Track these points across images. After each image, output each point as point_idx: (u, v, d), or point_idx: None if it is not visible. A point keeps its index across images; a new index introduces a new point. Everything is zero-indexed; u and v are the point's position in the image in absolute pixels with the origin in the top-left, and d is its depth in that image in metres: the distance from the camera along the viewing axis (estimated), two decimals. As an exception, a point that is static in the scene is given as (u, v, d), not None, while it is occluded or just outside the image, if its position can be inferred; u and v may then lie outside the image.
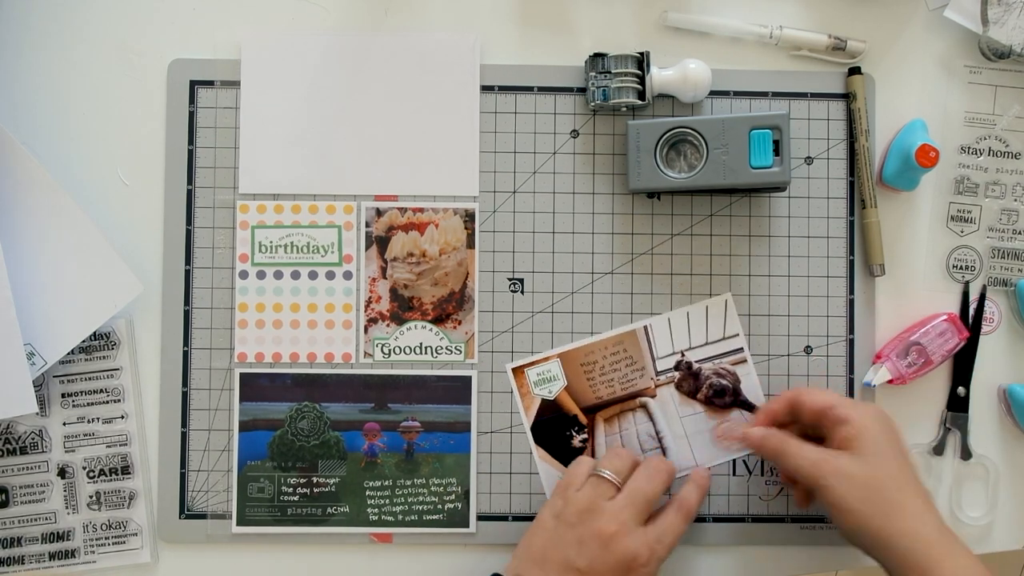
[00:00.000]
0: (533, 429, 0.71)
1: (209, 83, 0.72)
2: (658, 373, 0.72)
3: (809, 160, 0.72)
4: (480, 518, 0.71)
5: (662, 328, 0.72)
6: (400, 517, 0.71)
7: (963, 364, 0.72)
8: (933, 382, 0.72)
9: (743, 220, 0.72)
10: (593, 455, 0.71)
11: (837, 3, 0.73)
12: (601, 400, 0.72)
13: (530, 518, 0.69)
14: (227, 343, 0.71)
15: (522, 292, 0.72)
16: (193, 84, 0.72)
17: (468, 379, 0.71)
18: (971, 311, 0.72)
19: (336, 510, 0.71)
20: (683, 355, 0.72)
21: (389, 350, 0.71)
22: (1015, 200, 0.73)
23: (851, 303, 0.72)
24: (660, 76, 0.70)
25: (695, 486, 0.67)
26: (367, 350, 0.71)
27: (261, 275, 0.71)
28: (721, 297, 0.72)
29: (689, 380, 0.72)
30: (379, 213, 0.71)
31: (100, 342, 0.70)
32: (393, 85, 0.71)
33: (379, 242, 0.71)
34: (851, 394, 0.72)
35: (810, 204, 0.72)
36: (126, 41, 0.72)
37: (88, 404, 0.70)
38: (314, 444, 0.71)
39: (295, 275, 0.71)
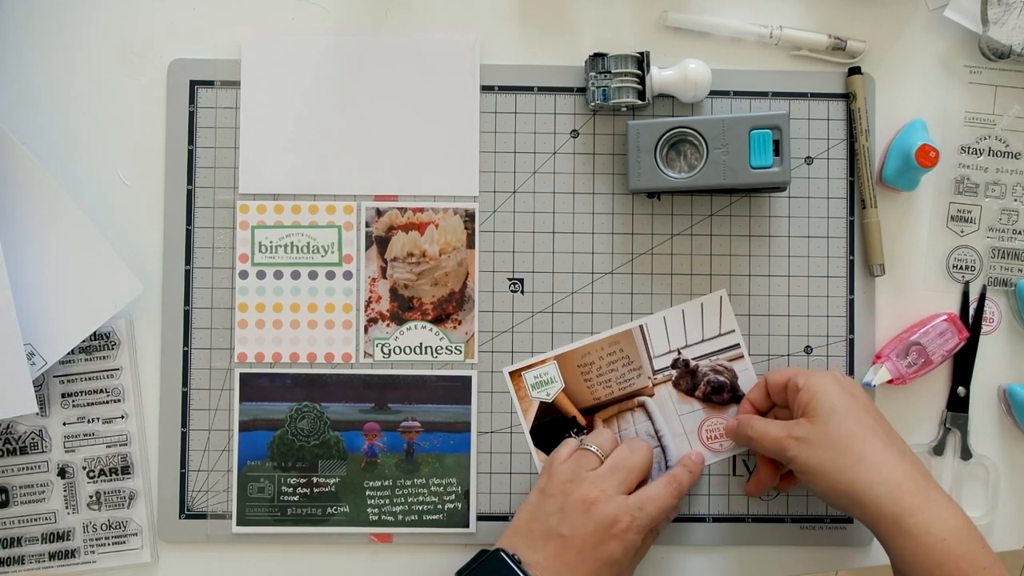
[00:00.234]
0: (532, 431, 0.71)
1: (209, 83, 0.72)
2: (655, 372, 0.72)
3: (809, 160, 0.72)
4: (480, 518, 0.71)
5: (658, 327, 0.72)
6: (400, 517, 0.71)
7: (963, 364, 0.72)
8: (933, 382, 0.72)
9: (743, 220, 0.72)
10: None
11: (837, 3, 0.73)
12: (599, 401, 0.72)
13: (530, 518, 0.69)
14: (227, 343, 0.71)
15: (522, 292, 0.72)
16: (193, 84, 0.72)
17: (468, 379, 0.71)
18: (971, 311, 0.72)
19: (336, 510, 0.71)
20: (680, 353, 0.72)
21: (389, 350, 0.71)
22: (1015, 200, 0.73)
23: (851, 303, 0.72)
24: (660, 76, 0.70)
25: (685, 468, 0.68)
26: (367, 350, 0.71)
27: (261, 275, 0.71)
28: (716, 294, 0.72)
29: (686, 378, 0.72)
30: (379, 213, 0.71)
31: (100, 342, 0.70)
32: (393, 85, 0.71)
33: (379, 242, 0.71)
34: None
35: (810, 204, 0.72)
36: (126, 41, 0.72)
37: (88, 404, 0.70)
38: (314, 444, 0.71)
39: (295, 275, 0.71)
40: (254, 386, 0.71)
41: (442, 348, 0.71)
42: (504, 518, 0.71)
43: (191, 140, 0.71)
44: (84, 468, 0.70)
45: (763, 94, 0.72)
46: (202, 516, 0.71)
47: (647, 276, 0.72)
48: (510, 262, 0.72)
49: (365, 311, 0.71)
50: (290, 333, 0.71)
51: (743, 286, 0.72)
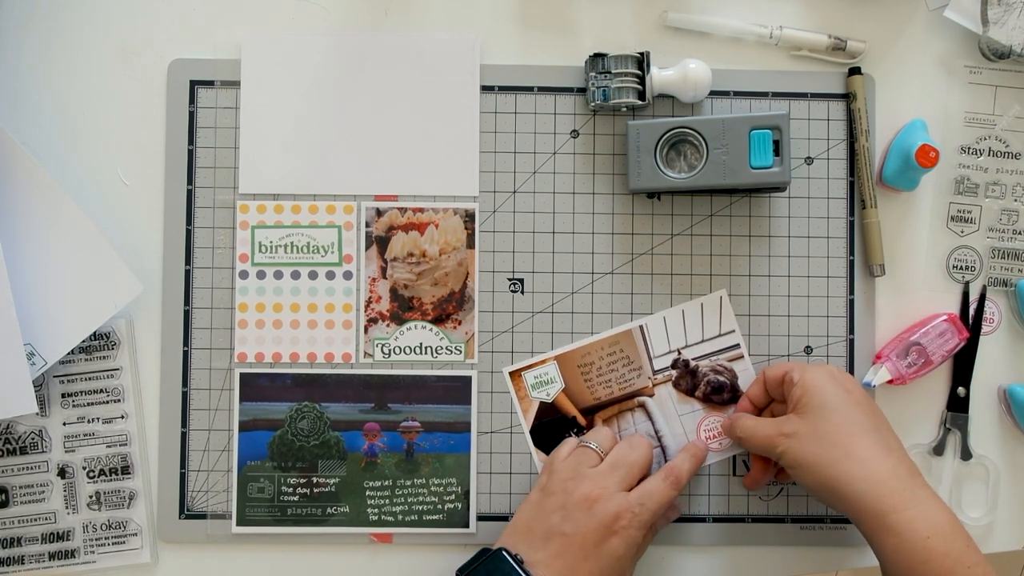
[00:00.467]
0: (532, 431, 0.71)
1: (209, 83, 0.72)
2: (655, 372, 0.72)
3: (809, 160, 0.72)
4: (480, 518, 0.71)
5: (658, 327, 0.72)
6: (400, 517, 0.71)
7: (963, 364, 0.72)
8: (933, 382, 0.72)
9: (743, 220, 0.72)
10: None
11: (837, 3, 0.73)
12: (599, 401, 0.72)
13: (530, 518, 0.69)
14: (227, 343, 0.71)
15: (522, 292, 0.72)
16: (193, 84, 0.72)
17: (468, 379, 0.71)
18: (971, 311, 0.72)
19: (336, 510, 0.71)
20: (680, 353, 0.72)
21: (389, 350, 0.71)
22: (1015, 200, 0.73)
23: (851, 303, 0.72)
24: (660, 76, 0.70)
25: (688, 455, 0.68)
26: (367, 350, 0.71)
27: (261, 275, 0.71)
28: (716, 294, 0.72)
29: (687, 378, 0.72)
30: (379, 213, 0.71)
31: (100, 342, 0.70)
32: (393, 85, 0.71)
33: (379, 242, 0.71)
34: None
35: (810, 204, 0.72)
36: (126, 41, 0.72)
37: (88, 404, 0.70)
38: (314, 444, 0.71)
39: (295, 275, 0.71)
40: (254, 386, 0.71)
41: (442, 348, 0.71)
42: (504, 518, 0.71)
43: (191, 140, 0.71)
44: (84, 468, 0.70)
45: (763, 94, 0.72)
46: (202, 516, 0.71)
47: (647, 276, 0.72)
48: (510, 262, 0.72)
49: (365, 311, 0.71)
50: (290, 333, 0.71)
51: (743, 286, 0.72)
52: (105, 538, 0.70)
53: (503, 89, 0.72)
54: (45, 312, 0.68)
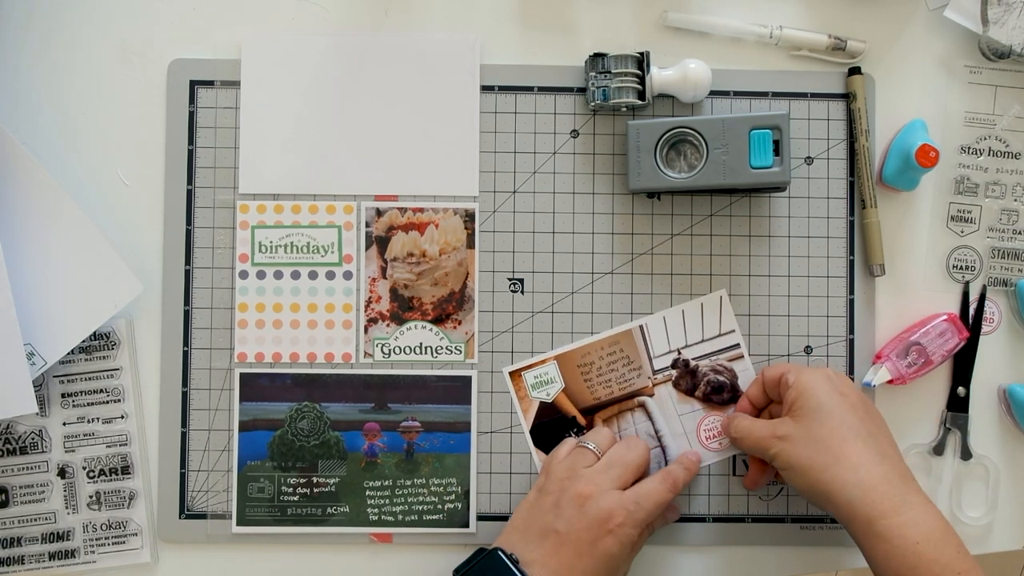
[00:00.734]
0: (532, 431, 0.71)
1: (209, 83, 0.72)
2: (655, 372, 0.72)
3: (809, 160, 0.72)
4: (480, 518, 0.71)
5: (658, 327, 0.72)
6: (400, 517, 0.71)
7: (963, 364, 0.72)
8: (933, 382, 0.72)
9: (743, 220, 0.72)
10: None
11: (837, 3, 0.73)
12: (599, 401, 0.72)
13: (530, 518, 0.69)
14: (227, 343, 0.71)
15: (522, 292, 0.72)
16: (193, 84, 0.72)
17: (468, 379, 0.71)
18: (971, 311, 0.72)
19: (336, 510, 0.71)
20: (680, 353, 0.72)
21: (389, 350, 0.71)
22: (1015, 200, 0.73)
23: (851, 303, 0.72)
24: (660, 76, 0.70)
25: (682, 467, 0.68)
26: (367, 350, 0.71)
27: (261, 275, 0.71)
28: (716, 294, 0.72)
29: (687, 378, 0.72)
30: (379, 213, 0.71)
31: (100, 342, 0.70)
32: (393, 85, 0.71)
33: (379, 242, 0.71)
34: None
35: (810, 204, 0.72)
36: (126, 41, 0.72)
37: (88, 404, 0.70)
38: (314, 444, 0.71)
39: (295, 275, 0.71)
40: (254, 386, 0.71)
41: (442, 348, 0.71)
42: (504, 518, 0.71)
43: (191, 140, 0.71)
44: (84, 468, 0.70)
45: (763, 94, 0.72)
46: (202, 516, 0.71)
47: (647, 276, 0.72)
48: (510, 262, 0.72)
49: (365, 311, 0.71)
50: (290, 333, 0.71)
51: (743, 286, 0.72)
52: (105, 538, 0.70)
53: (503, 89, 0.72)
54: (45, 312, 0.68)
